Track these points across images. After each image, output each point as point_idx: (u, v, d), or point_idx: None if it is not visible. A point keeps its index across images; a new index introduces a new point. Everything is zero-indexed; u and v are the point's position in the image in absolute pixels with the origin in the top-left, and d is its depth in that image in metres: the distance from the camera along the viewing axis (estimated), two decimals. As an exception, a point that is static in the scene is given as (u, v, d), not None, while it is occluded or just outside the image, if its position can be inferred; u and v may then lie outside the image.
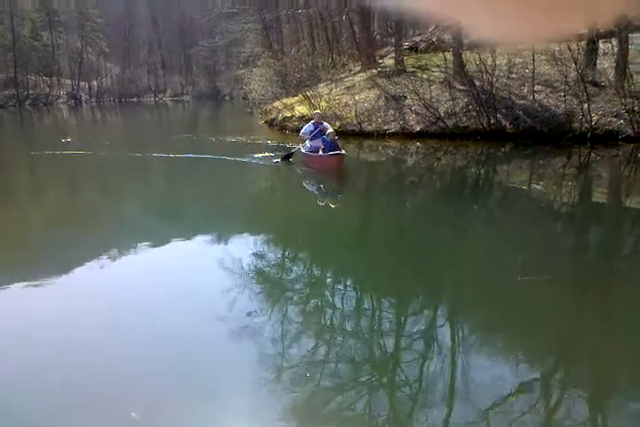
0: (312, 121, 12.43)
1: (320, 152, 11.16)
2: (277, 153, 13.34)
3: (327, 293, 5.36)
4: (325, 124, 12.29)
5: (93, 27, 76.29)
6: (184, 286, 5.48)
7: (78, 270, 6.11)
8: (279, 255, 6.81)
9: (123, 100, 77.23)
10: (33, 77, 71.71)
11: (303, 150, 12.09)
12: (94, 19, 76.12)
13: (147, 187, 11.87)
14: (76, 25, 73.45)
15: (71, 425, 3.29)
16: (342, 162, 10.59)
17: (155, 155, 14.74)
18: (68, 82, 75.58)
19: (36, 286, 5.64)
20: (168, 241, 7.26)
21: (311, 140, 11.95)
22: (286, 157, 12.64)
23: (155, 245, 7.16)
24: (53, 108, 58.60)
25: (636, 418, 3.26)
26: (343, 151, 10.67)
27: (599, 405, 3.47)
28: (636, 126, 12.83)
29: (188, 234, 7.64)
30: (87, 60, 77.00)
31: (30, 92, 69.70)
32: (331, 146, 10.86)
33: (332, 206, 9.24)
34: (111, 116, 47.25)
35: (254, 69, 30.21)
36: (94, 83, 78.79)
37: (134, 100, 77.81)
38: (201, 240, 7.38)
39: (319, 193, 10.42)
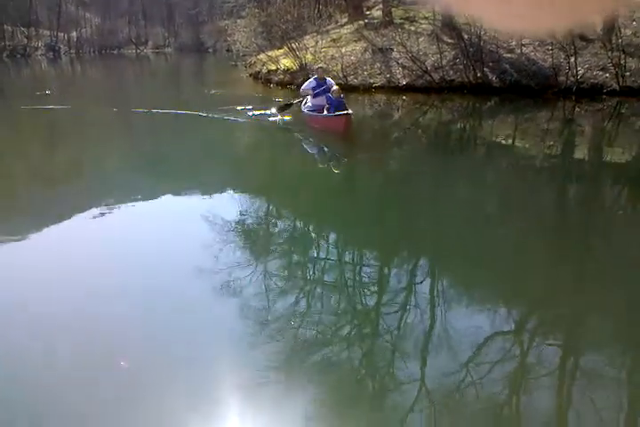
0: (314, 76, 11.39)
1: (325, 112, 10.24)
2: (272, 111, 12.41)
3: (310, 248, 5.43)
4: (329, 80, 11.32)
5: (71, -26, 73.60)
6: (167, 239, 5.50)
7: (60, 225, 6.12)
8: (264, 211, 6.85)
9: (103, 51, 75.27)
10: (10, 28, 69.36)
11: (305, 109, 11.14)
12: (72, -35, 73.38)
13: (129, 143, 11.62)
14: (52, -28, 70.71)
15: (60, 375, 3.36)
16: (350, 122, 9.62)
17: (137, 110, 14.35)
18: (47, 33, 73.24)
19: (18, 240, 5.65)
20: (152, 196, 7.27)
21: (313, 97, 11.03)
22: (284, 108, 11.90)
23: (139, 200, 7.15)
24: (32, 60, 56.94)
25: (604, 364, 3.41)
26: (350, 111, 9.73)
27: (571, 352, 3.62)
28: (621, 80, 12.82)
29: (173, 190, 7.62)
30: (66, 9, 74.45)
31: (7, 43, 67.57)
32: (337, 105, 9.99)
33: (333, 169, 8.77)
34: (91, 69, 46.14)
35: (238, 20, 29.54)
36: (73, 34, 76.45)
37: (115, 51, 75.90)
38: (186, 196, 7.40)
39: (320, 155, 9.88)
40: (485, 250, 5.15)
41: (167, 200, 7.19)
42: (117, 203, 6.94)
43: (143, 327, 3.84)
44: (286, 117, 11.81)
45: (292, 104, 11.90)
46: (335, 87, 10.39)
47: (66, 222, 6.16)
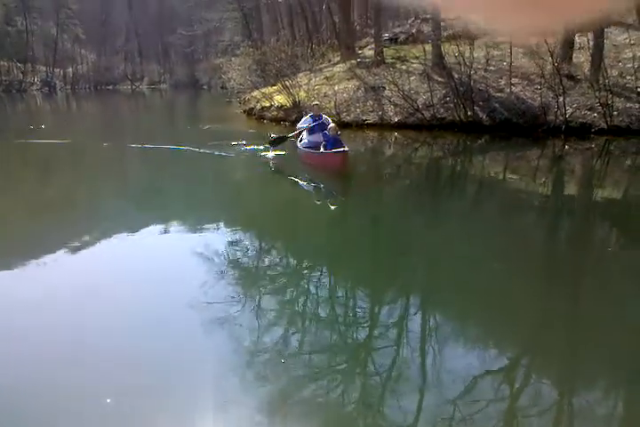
0: (309, 113, 11.51)
1: (321, 149, 10.17)
2: (266, 145, 12.42)
3: (302, 283, 5.40)
4: (325, 117, 11.39)
5: (68, 13, 74.90)
6: (158, 273, 5.48)
7: (50, 258, 6.04)
8: (256, 246, 6.82)
9: (98, 87, 76.11)
10: (6, 64, 70.25)
11: (300, 146, 11.05)
12: (70, 5, 74.75)
13: (122, 178, 11.61)
14: (51, 11, 71.99)
15: (45, 410, 3.30)
16: (346, 160, 9.56)
17: (131, 145, 14.35)
18: (43, 68, 74.18)
19: (8, 271, 5.62)
20: (145, 231, 7.24)
21: (309, 134, 11.04)
22: (277, 142, 11.79)
23: (131, 234, 7.10)
24: (27, 95, 57.50)
25: (600, 404, 3.38)
26: (346, 148, 9.63)
27: (565, 391, 3.58)
28: (609, 119, 13.07)
29: (166, 224, 7.58)
30: (62, 46, 75.59)
31: (3, 78, 68.31)
32: (333, 142, 9.92)
33: (328, 205, 8.66)
34: (86, 104, 46.51)
35: (233, 58, 30.07)
36: (69, 70, 77.45)
37: (110, 87, 76.74)
38: (178, 230, 7.35)
39: (314, 191, 9.67)
40: (477, 287, 5.13)
41: (160, 234, 7.16)
42: (109, 237, 6.91)
43: (131, 361, 3.77)
44: (280, 153, 11.78)
45: (285, 138, 11.82)
46: (332, 125, 10.29)
47: (56, 256, 6.10)
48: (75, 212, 8.52)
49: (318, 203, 8.87)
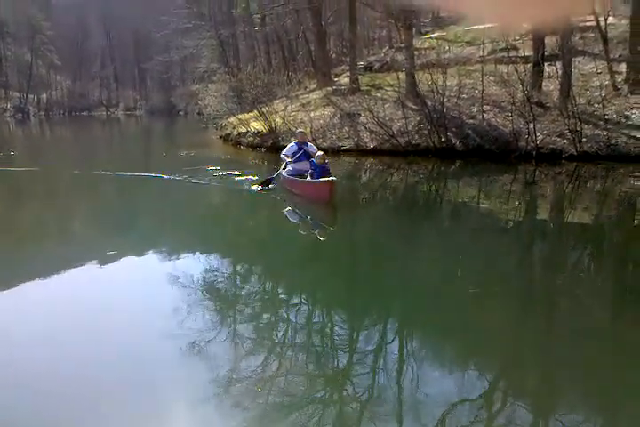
0: (295, 141, 11.18)
1: (308, 177, 9.87)
2: (254, 177, 12.10)
3: (278, 309, 5.40)
4: (311, 144, 11.23)
5: (43, 39, 74.89)
6: (133, 302, 5.45)
7: (22, 288, 5.97)
8: (233, 273, 6.82)
9: (73, 113, 75.88)
10: (-21, 90, 69.84)
11: (286, 174, 10.72)
12: (45, 31, 74.78)
13: (96, 206, 11.44)
14: (26, 37, 71.90)
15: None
16: (334, 189, 9.22)
17: (106, 172, 14.04)
18: (17, 94, 73.76)
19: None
20: (118, 258, 7.20)
21: (294, 162, 10.72)
22: (266, 183, 11.16)
23: (103, 263, 7.04)
24: (-1, 121, 57.12)
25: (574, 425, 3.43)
26: (334, 177, 9.37)
27: (541, 414, 3.62)
28: (578, 146, 13.40)
29: (141, 252, 7.56)
30: (37, 72, 75.34)
31: (-25, 104, 67.82)
32: (321, 171, 9.63)
33: (311, 234, 8.56)
34: (60, 131, 46.27)
35: (210, 85, 30.26)
36: (44, 95, 77.15)
37: (85, 113, 76.54)
38: (153, 258, 7.31)
39: (302, 223, 9.42)
40: (453, 311, 5.18)
41: (135, 263, 7.11)
42: (83, 265, 6.83)
43: (106, 391, 3.73)
44: (267, 186, 11.20)
45: (272, 179, 11.21)
46: (320, 153, 10.03)
47: (26, 285, 6.02)
48: (44, 240, 8.42)
49: (303, 233, 8.78)
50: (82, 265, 6.82)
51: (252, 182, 11.66)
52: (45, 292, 5.87)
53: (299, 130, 12.45)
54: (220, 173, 12.99)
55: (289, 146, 11.14)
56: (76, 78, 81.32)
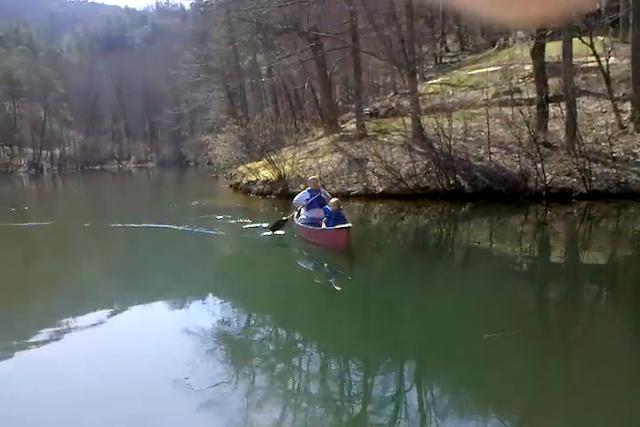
0: (307, 188, 10.78)
1: (323, 225, 9.50)
2: (265, 224, 11.87)
3: (293, 359, 5.28)
4: (323, 191, 10.85)
5: (57, 97, 77.04)
6: (145, 353, 5.37)
7: (34, 339, 5.90)
8: (246, 322, 6.72)
9: (85, 167, 77.14)
10: (-7, 147, 71.48)
11: (299, 222, 10.48)
12: (58, 89, 77.02)
13: (109, 259, 11.34)
14: (39, 95, 74.02)
15: None
16: (350, 237, 8.90)
17: (116, 225, 13.99)
18: (30, 150, 75.41)
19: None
20: (133, 311, 7.14)
21: (307, 209, 10.42)
22: (276, 227, 11.02)
23: (117, 314, 6.96)
24: (13, 177, 58.14)
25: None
26: (350, 224, 9.05)
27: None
28: (588, 184, 13.36)
29: (154, 305, 7.48)
30: (50, 128, 77.17)
31: (-11, 161, 69.28)
32: (336, 218, 9.28)
33: (332, 284, 8.23)
34: (72, 185, 47.01)
35: (219, 135, 30.79)
36: (56, 151, 78.76)
37: (97, 167, 77.78)
38: (167, 310, 7.24)
39: (317, 271, 9.29)
40: (470, 356, 5.04)
41: (147, 314, 7.03)
42: (93, 317, 6.74)
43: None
44: (279, 232, 11.09)
45: (285, 221, 11.13)
46: (334, 199, 9.69)
47: (41, 337, 5.94)
48: (58, 293, 8.36)
49: (317, 281, 8.62)
50: (94, 317, 6.73)
51: (263, 229, 11.52)
52: (56, 345, 5.77)
53: (311, 177, 11.95)
54: (232, 222, 12.98)
55: (301, 193, 10.83)
56: (89, 133, 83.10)
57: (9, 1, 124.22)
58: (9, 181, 51.07)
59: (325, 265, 9.26)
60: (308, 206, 10.38)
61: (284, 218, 11.18)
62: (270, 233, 10.98)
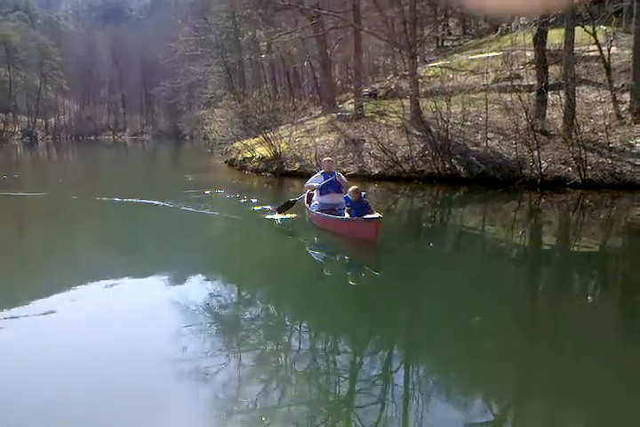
0: (320, 170, 9.94)
1: (346, 214, 8.79)
2: (269, 206, 11.32)
3: (282, 336, 5.33)
4: (338, 173, 9.85)
5: (53, 65, 76.12)
6: (136, 327, 5.44)
7: (26, 310, 5.92)
8: (235, 297, 6.76)
9: (80, 137, 76.58)
10: (-13, 114, 70.83)
11: (313, 209, 9.64)
12: (54, 57, 76.06)
13: (102, 231, 11.31)
14: (35, 62, 73.09)
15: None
16: (378, 229, 8.15)
17: (115, 199, 13.54)
18: (25, 118, 74.79)
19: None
20: (125, 283, 7.16)
21: (321, 195, 9.57)
22: (283, 209, 10.46)
23: (108, 287, 6.93)
24: (7, 145, 57.65)
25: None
26: (377, 214, 8.30)
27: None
28: (583, 173, 13.41)
29: (151, 283, 7.43)
30: (45, 97, 76.37)
31: (-16, 128, 68.72)
32: (359, 207, 8.51)
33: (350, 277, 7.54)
34: (66, 154, 46.67)
35: (215, 110, 30.54)
36: (51, 120, 78.09)
37: (92, 138, 77.21)
38: (160, 288, 7.10)
39: (328, 262, 8.51)
40: (459, 339, 5.11)
41: (143, 291, 6.97)
42: (85, 290, 6.77)
43: (106, 417, 3.69)
44: (288, 216, 10.50)
45: (293, 202, 10.52)
46: (353, 187, 8.73)
47: (32, 309, 5.95)
48: (50, 265, 8.35)
49: (328, 274, 7.83)
50: (84, 290, 6.76)
51: (270, 211, 10.96)
52: (48, 316, 5.78)
53: (325, 158, 10.93)
54: (231, 199, 12.88)
55: (314, 176, 9.93)
56: (84, 103, 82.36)
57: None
58: (3, 148, 50.66)
59: (347, 258, 8.51)
60: (322, 191, 9.58)
61: (292, 200, 10.59)
62: (278, 216, 10.47)
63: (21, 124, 74.59)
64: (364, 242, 8.36)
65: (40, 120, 75.92)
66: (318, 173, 9.87)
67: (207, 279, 7.47)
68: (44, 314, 5.84)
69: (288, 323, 5.86)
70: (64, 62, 77.55)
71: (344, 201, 9.02)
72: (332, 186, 9.52)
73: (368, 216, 8.25)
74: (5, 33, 72.39)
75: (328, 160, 10.31)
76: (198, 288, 6.95)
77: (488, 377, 4.45)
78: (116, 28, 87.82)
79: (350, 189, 8.70)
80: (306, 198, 10.45)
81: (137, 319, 5.70)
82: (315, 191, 9.79)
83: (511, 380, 4.41)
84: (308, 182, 9.92)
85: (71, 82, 79.99)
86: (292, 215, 10.52)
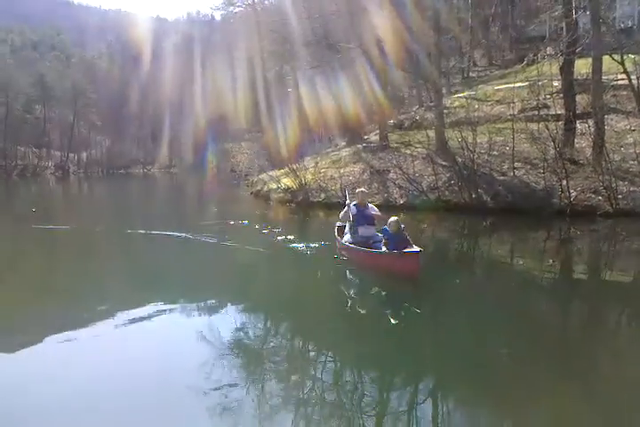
0: (353, 202, 9.31)
1: (383, 248, 8.26)
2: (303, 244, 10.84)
3: (308, 368, 5.21)
4: (371, 206, 9.40)
5: (86, 101, 78.34)
6: (162, 357, 5.36)
7: (53, 343, 5.86)
8: (261, 329, 6.61)
9: (111, 171, 78.11)
10: (22, 149, 72.94)
11: (346, 242, 9.11)
12: (88, 94, 78.36)
13: (129, 263, 11.19)
14: (70, 99, 75.35)
15: None
16: (419, 263, 7.64)
17: (150, 232, 13.42)
18: (58, 153, 76.84)
19: (15, 357, 5.51)
20: (147, 314, 7.05)
21: (355, 227, 9.07)
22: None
23: (135, 319, 6.82)
24: (40, 179, 59.03)
25: None
26: (417, 248, 7.85)
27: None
28: (614, 202, 13.10)
29: (177, 314, 7.30)
30: (78, 133, 78.45)
31: (19, 162, 70.63)
32: (397, 240, 8.03)
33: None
34: (97, 188, 47.52)
35: (242, 143, 30.96)
36: (83, 154, 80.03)
37: (122, 171, 78.67)
38: (186, 318, 7.00)
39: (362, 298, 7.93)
40: (488, 372, 4.93)
41: (169, 321, 6.83)
42: (110, 322, 6.67)
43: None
44: (314, 244, 10.39)
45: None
46: (393, 218, 8.23)
47: (59, 341, 5.89)
48: (80, 297, 8.26)
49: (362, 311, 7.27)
50: (109, 322, 6.66)
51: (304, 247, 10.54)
52: (74, 346, 5.75)
53: (359, 189, 10.32)
54: (255, 227, 12.80)
55: (346, 209, 9.33)
56: (115, 138, 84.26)
57: (45, 9, 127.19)
58: (36, 182, 51.85)
59: (384, 293, 7.74)
60: (356, 223, 9.10)
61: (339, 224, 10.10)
62: (301, 245, 10.55)
63: (54, 158, 76.58)
64: (404, 277, 7.75)
65: (72, 155, 77.86)
66: (351, 205, 9.23)
67: (235, 311, 7.33)
68: (71, 344, 5.81)
69: (315, 357, 5.69)
70: (97, 99, 79.84)
71: (379, 234, 8.68)
72: (365, 218, 9.08)
73: (409, 250, 7.79)
74: (42, 71, 75.16)
75: (362, 191, 9.75)
76: (225, 320, 6.77)
77: (516, 412, 4.25)
78: (148, 65, 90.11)
79: (390, 220, 8.21)
80: (336, 231, 10.07)
81: (162, 350, 5.61)
82: (347, 223, 9.42)
83: (542, 416, 4.17)
84: (342, 215, 9.46)
85: (103, 118, 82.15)
86: (317, 244, 10.41)
